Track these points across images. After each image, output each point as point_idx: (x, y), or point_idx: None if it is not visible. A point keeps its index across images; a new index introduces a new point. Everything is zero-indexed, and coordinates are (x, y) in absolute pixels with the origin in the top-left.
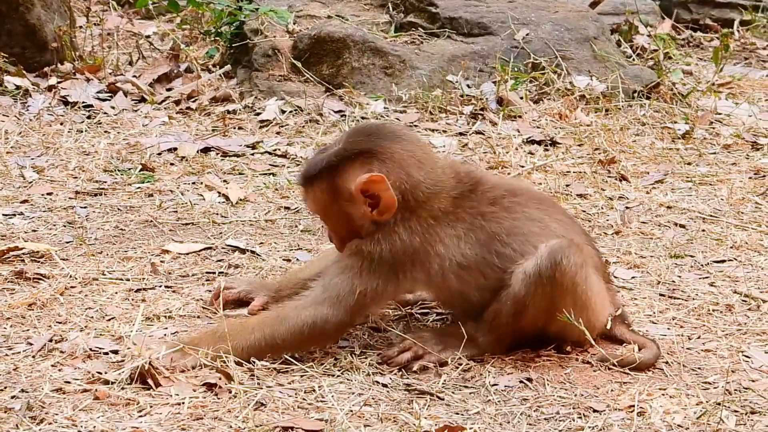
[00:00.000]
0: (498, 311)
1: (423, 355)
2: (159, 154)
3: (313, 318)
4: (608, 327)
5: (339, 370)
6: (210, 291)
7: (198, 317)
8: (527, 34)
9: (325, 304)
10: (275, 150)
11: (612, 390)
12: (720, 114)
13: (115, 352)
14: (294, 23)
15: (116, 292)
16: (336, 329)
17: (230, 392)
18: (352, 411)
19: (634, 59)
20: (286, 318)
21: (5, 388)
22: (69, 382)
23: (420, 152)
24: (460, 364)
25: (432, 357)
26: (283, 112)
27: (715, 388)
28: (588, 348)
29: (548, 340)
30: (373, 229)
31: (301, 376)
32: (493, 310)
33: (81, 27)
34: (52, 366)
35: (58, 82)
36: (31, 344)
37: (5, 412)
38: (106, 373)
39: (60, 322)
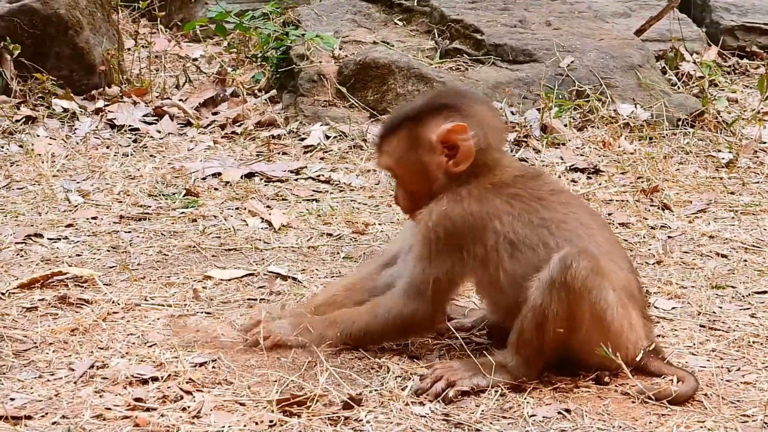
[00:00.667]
0: (520, 328)
1: (455, 381)
2: (203, 178)
3: (402, 314)
4: (639, 358)
5: (379, 399)
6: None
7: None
8: (572, 62)
9: (410, 299)
10: (319, 176)
11: (650, 422)
12: (765, 143)
13: (156, 379)
14: (340, 49)
15: (158, 318)
16: (427, 320)
17: (270, 422)
18: None
19: (679, 87)
20: (380, 315)
21: (46, 414)
22: (110, 409)
23: (498, 122)
24: (498, 393)
25: (465, 382)
26: (328, 137)
27: (753, 421)
28: (625, 379)
29: (582, 367)
30: (444, 183)
31: (341, 406)
32: (517, 329)
33: (129, 50)
34: (94, 392)
35: (105, 105)
36: (73, 370)
37: None
38: (146, 400)
39: (102, 348)
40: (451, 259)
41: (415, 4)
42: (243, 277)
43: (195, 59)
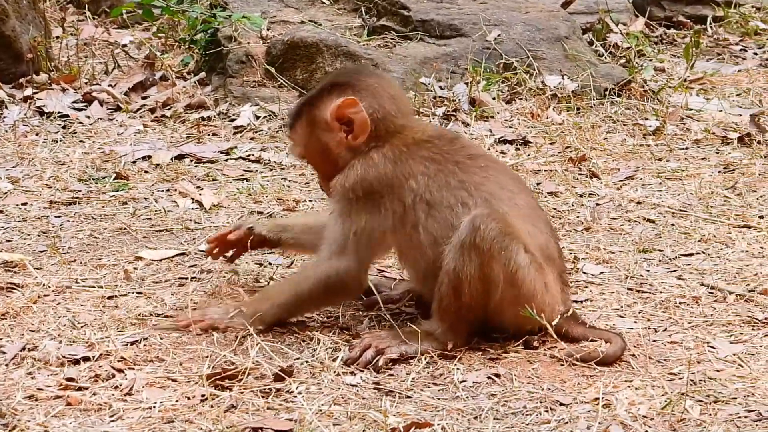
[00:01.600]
0: (440, 295)
1: (384, 349)
2: (133, 162)
3: (327, 273)
4: (555, 322)
5: (310, 371)
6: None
7: (168, 317)
8: (499, 35)
9: (334, 256)
10: (249, 155)
11: (578, 383)
12: (691, 110)
13: (87, 359)
14: (268, 29)
15: (89, 300)
16: (352, 278)
17: (202, 396)
18: (321, 410)
19: (606, 58)
20: (307, 277)
21: None
22: (41, 389)
23: (394, 91)
24: (428, 361)
25: (394, 350)
26: (258, 117)
27: (680, 378)
28: (554, 343)
29: (505, 332)
30: (350, 157)
31: (272, 378)
32: (437, 296)
33: (57, 38)
34: (26, 374)
35: (34, 93)
36: (4, 353)
37: None
38: (78, 379)
39: (33, 331)
40: (369, 214)
41: None
42: (174, 256)
43: (124, 45)
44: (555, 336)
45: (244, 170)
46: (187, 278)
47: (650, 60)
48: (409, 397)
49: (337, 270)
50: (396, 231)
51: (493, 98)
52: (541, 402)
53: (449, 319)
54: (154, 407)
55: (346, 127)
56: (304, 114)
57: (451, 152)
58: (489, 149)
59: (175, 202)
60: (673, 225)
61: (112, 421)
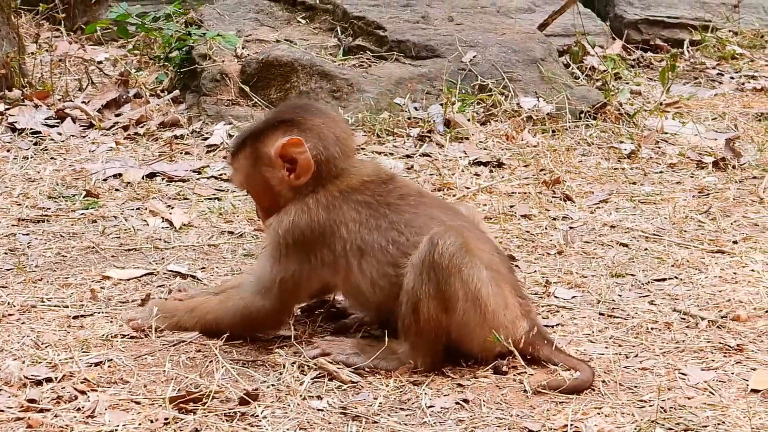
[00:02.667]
0: (402, 315)
1: (330, 354)
2: (104, 179)
3: (247, 306)
4: (522, 342)
5: (276, 394)
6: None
7: (134, 338)
8: (474, 56)
9: (257, 294)
10: (221, 174)
11: (548, 410)
12: (666, 133)
13: (50, 380)
14: (243, 47)
15: (54, 319)
16: (271, 318)
17: (165, 419)
18: None
19: (582, 80)
20: (228, 307)
21: None
22: (2, 411)
23: (340, 131)
24: (396, 387)
25: (340, 356)
26: (231, 136)
27: (650, 406)
28: (523, 369)
29: (473, 354)
30: (290, 197)
31: (237, 402)
32: (400, 317)
33: (31, 53)
34: None
35: (6, 109)
36: None
37: None
38: (40, 401)
39: None
40: (298, 263)
41: (318, 2)
42: (142, 276)
43: (99, 62)
44: (522, 362)
45: (215, 189)
46: (154, 298)
47: (627, 83)
48: (375, 422)
49: (259, 309)
50: (327, 277)
51: (468, 120)
52: (509, 428)
53: (411, 338)
54: (116, 430)
55: (289, 166)
56: (248, 146)
57: (384, 194)
58: (463, 170)
59: (145, 220)
60: (646, 249)
61: None
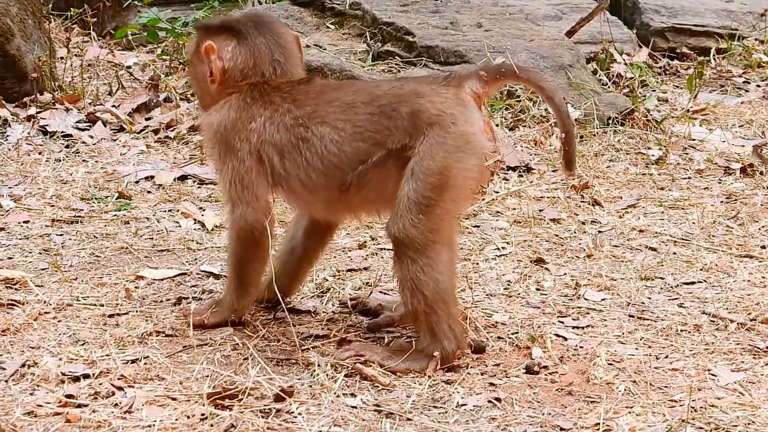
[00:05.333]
0: (406, 309)
1: (363, 355)
2: (136, 182)
3: (234, 227)
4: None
5: (310, 391)
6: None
7: (169, 336)
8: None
9: (231, 210)
10: None
11: (579, 408)
12: (694, 140)
13: (87, 376)
14: None
15: (89, 318)
16: (253, 220)
17: (202, 415)
18: (321, 431)
19: (609, 87)
20: (228, 243)
21: None
22: (41, 406)
23: (280, 53)
24: (430, 385)
25: (371, 358)
26: None
27: (681, 405)
28: (554, 368)
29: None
30: (215, 94)
31: (272, 399)
32: (406, 311)
33: (62, 58)
34: (25, 390)
35: (38, 112)
36: (4, 369)
37: None
38: (78, 396)
39: (33, 347)
40: (231, 159)
41: (347, 7)
42: (175, 276)
43: (129, 67)
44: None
45: None
46: (188, 298)
47: (653, 90)
48: (409, 419)
49: (239, 220)
50: (260, 170)
51: (497, 125)
52: (541, 427)
53: (426, 326)
54: (154, 425)
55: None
56: (199, 33)
57: (294, 92)
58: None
59: (177, 222)
60: (675, 253)
61: None
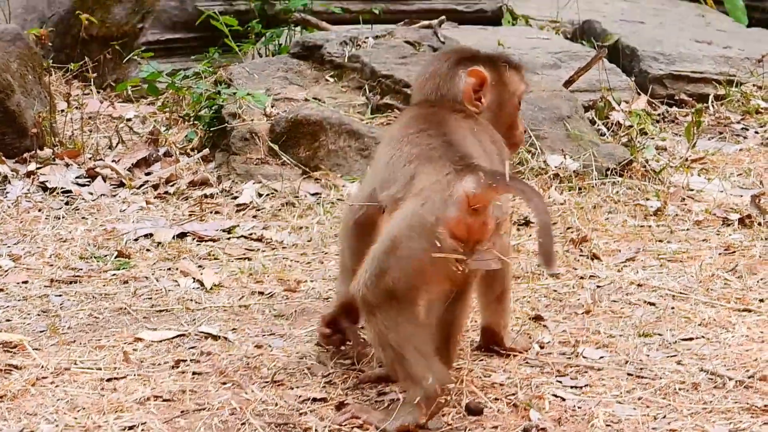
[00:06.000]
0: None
1: (359, 417)
2: (135, 239)
3: None
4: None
5: None
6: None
7: (167, 401)
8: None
9: None
10: (251, 234)
11: None
12: (692, 190)
13: None
14: (272, 106)
15: (87, 382)
16: None
17: None
18: None
19: (607, 137)
20: None
21: None
22: None
23: None
24: None
25: (368, 420)
26: (260, 195)
27: None
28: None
29: None
30: None
31: None
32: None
33: (61, 111)
34: None
35: (38, 168)
36: None
37: None
38: None
39: (30, 414)
40: None
41: (346, 60)
42: (174, 338)
43: (129, 119)
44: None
45: (245, 249)
46: (186, 360)
47: (652, 138)
48: None
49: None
50: None
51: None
52: None
53: (400, 374)
54: None
55: None
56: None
57: None
58: None
59: (176, 281)
60: (673, 308)
61: None
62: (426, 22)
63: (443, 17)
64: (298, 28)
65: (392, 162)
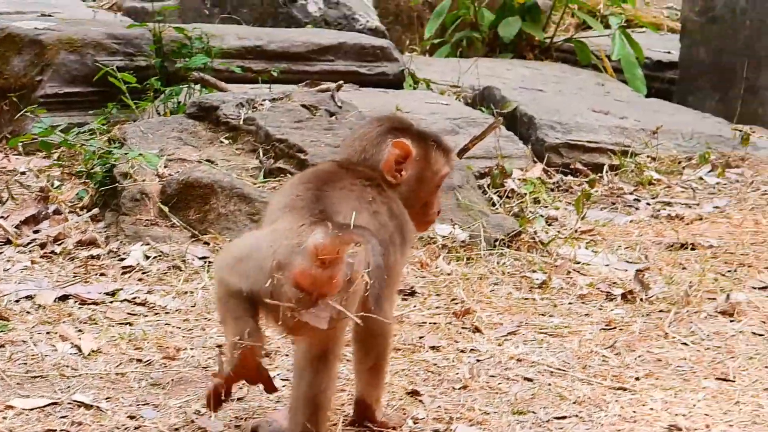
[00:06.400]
0: None
1: None
2: (17, 301)
3: None
4: None
5: None
6: None
7: None
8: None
9: None
10: (134, 298)
11: None
12: (579, 263)
13: None
14: (165, 167)
15: None
16: None
17: None
18: None
19: (498, 207)
20: None
21: None
22: None
23: None
24: None
25: None
26: (147, 257)
27: None
28: None
29: None
30: None
31: None
32: None
33: None
34: None
35: None
36: None
37: None
38: None
39: None
40: None
41: (241, 122)
42: (45, 406)
43: (23, 173)
44: None
45: (128, 314)
46: (56, 430)
47: (545, 207)
48: None
49: None
50: None
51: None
52: None
53: None
54: None
55: None
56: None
57: None
58: None
59: (54, 346)
60: (549, 385)
61: None
62: (325, 86)
63: (341, 82)
64: (198, 87)
65: (269, 209)
